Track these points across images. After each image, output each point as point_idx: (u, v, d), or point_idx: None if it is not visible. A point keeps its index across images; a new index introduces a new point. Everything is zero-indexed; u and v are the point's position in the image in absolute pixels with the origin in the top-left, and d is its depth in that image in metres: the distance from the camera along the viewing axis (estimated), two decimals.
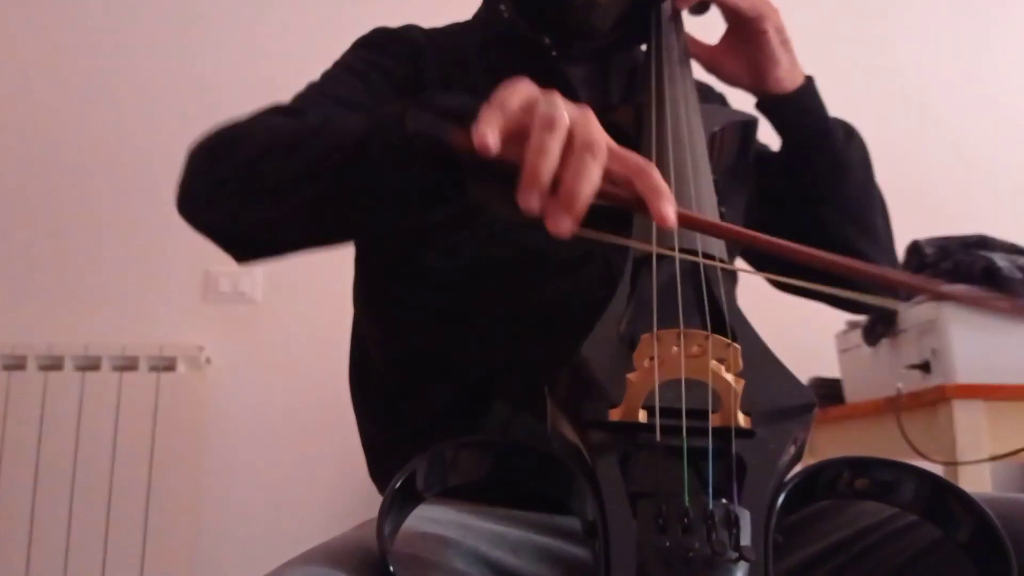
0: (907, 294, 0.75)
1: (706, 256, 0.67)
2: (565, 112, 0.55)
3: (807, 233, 0.97)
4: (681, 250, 0.65)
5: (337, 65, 0.92)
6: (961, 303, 0.67)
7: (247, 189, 0.74)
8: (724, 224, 0.59)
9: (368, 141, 0.66)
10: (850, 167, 0.95)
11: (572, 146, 0.54)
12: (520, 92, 0.57)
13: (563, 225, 0.53)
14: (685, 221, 0.57)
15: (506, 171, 0.54)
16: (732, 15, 0.93)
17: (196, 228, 0.79)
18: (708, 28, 0.97)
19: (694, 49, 0.96)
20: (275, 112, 0.81)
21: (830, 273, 0.62)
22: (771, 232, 0.98)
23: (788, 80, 0.93)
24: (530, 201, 0.53)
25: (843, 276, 0.64)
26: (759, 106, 0.96)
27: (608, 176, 0.55)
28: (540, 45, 0.90)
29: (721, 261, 0.68)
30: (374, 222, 0.73)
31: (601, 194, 0.54)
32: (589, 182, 0.53)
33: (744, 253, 0.98)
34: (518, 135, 0.55)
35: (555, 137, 0.54)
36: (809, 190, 0.95)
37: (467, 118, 0.57)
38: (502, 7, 0.93)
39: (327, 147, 0.69)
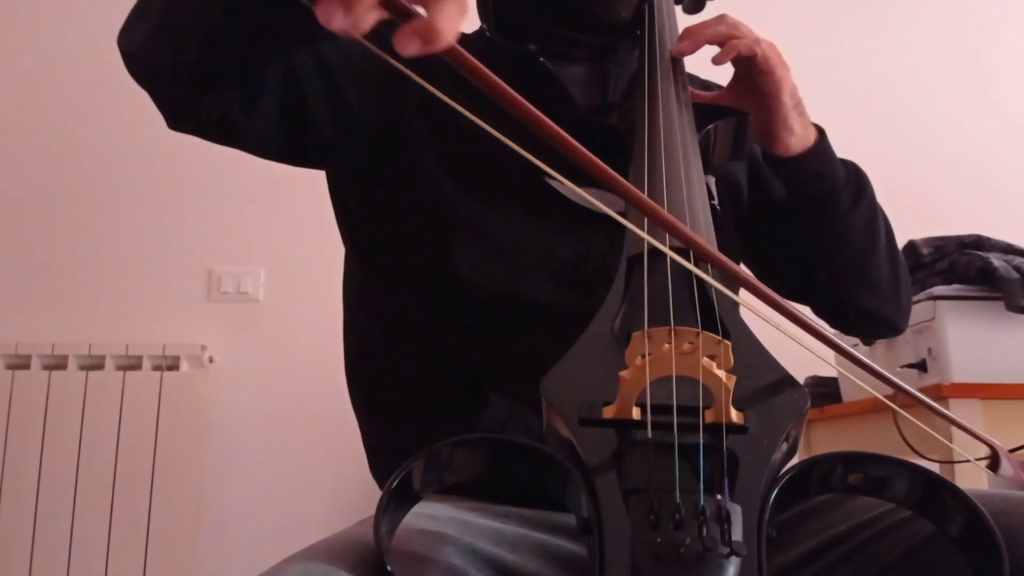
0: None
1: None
2: None
3: (799, 278, 0.94)
4: (672, 248, 0.65)
5: None
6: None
7: (149, 7, 0.74)
8: (664, 214, 0.57)
9: None
10: (851, 229, 0.90)
11: None
12: None
13: (335, 20, 0.45)
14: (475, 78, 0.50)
15: None
16: (745, 65, 0.86)
17: (126, 62, 0.79)
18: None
19: (697, 100, 0.90)
20: None
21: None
22: (764, 262, 0.96)
23: (797, 145, 0.87)
24: None
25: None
26: (764, 159, 0.91)
27: None
28: (526, 53, 0.91)
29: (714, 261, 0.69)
30: (226, 42, 0.70)
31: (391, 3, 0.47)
32: None
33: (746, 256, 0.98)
34: None
35: None
36: (806, 248, 0.91)
37: None
38: (485, 27, 0.94)
39: None
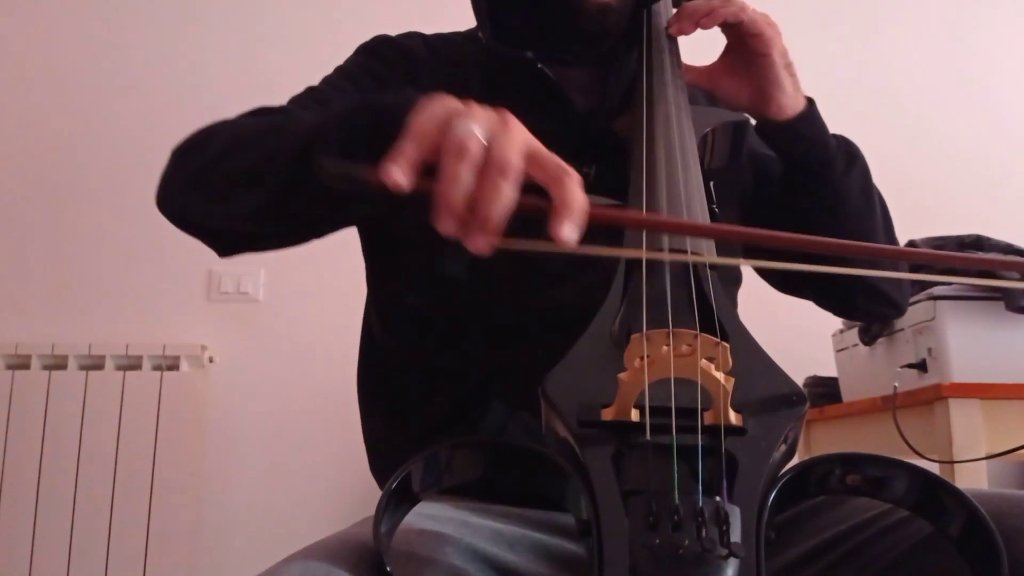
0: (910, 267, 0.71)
1: (695, 256, 0.68)
2: (477, 131, 0.54)
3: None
4: (671, 250, 0.65)
5: (336, 70, 0.94)
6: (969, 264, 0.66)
7: (211, 186, 0.76)
8: (698, 223, 0.58)
9: (330, 133, 0.67)
10: (849, 197, 0.92)
11: (485, 169, 0.53)
12: (434, 113, 0.57)
13: (480, 244, 0.53)
14: (657, 226, 0.57)
15: (424, 197, 0.54)
16: (734, 32, 0.89)
17: (173, 223, 0.81)
18: (705, 42, 0.96)
19: (690, 75, 0.92)
20: (254, 113, 0.83)
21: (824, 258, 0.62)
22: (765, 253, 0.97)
23: (790, 106, 0.89)
24: (446, 227, 0.53)
25: (836, 256, 0.64)
26: (759, 130, 0.93)
27: (529, 180, 0.55)
28: (523, 60, 0.91)
29: (712, 265, 0.69)
30: (332, 215, 0.74)
31: (519, 206, 0.54)
32: (501, 204, 0.53)
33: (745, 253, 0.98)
34: (435, 160, 0.55)
35: (465, 163, 0.53)
36: (805, 218, 0.91)
37: (384, 141, 0.56)
38: (480, 35, 0.95)
39: (283, 141, 0.71)
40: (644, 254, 0.63)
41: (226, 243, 0.82)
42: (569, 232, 0.54)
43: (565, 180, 0.55)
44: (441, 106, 0.57)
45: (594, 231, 0.79)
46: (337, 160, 0.56)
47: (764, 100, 0.89)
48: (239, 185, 0.73)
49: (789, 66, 0.89)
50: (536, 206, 0.54)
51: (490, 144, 0.54)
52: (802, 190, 0.92)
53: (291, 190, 0.69)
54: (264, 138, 0.73)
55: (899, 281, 0.99)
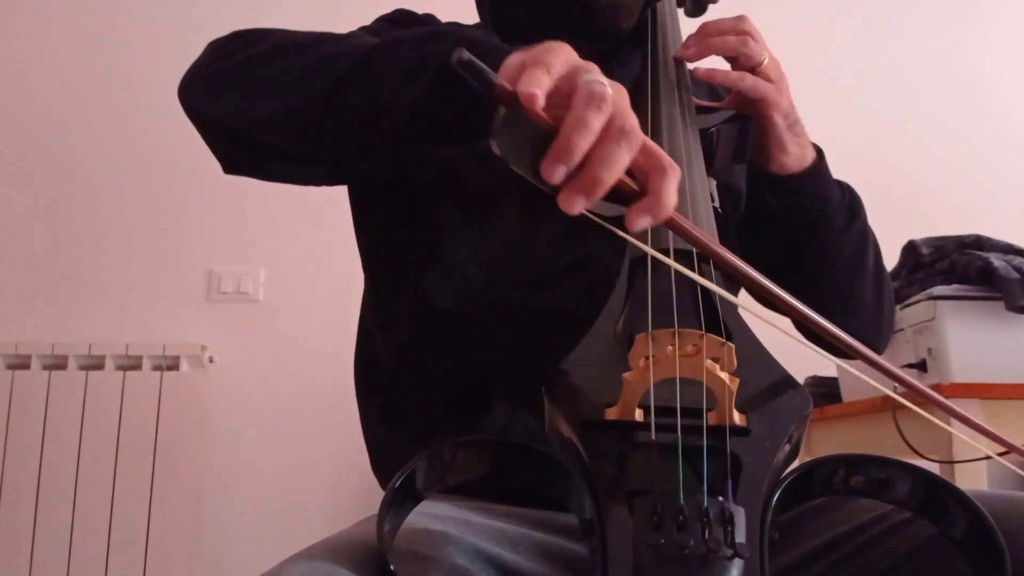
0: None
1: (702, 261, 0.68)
2: (609, 89, 0.51)
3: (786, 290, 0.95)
4: (676, 251, 0.65)
5: (359, 28, 0.93)
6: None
7: (252, 81, 0.74)
8: (712, 245, 0.58)
9: (396, 52, 0.65)
10: (841, 254, 0.90)
11: (609, 129, 0.51)
12: (563, 56, 0.54)
13: (576, 206, 0.50)
14: (677, 229, 0.56)
15: (536, 131, 0.51)
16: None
17: (192, 117, 0.78)
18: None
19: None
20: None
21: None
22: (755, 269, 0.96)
23: (793, 165, 0.87)
24: (554, 173, 0.50)
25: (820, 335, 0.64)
26: (759, 175, 0.91)
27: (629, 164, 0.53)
28: None
29: (715, 266, 0.69)
30: (367, 142, 0.70)
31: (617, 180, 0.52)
32: (615, 170, 0.50)
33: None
34: (556, 100, 0.52)
35: (599, 116, 0.50)
36: (794, 267, 0.89)
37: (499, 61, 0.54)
38: (483, 27, 0.95)
39: (344, 50, 0.69)
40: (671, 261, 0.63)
41: (238, 152, 0.79)
42: (645, 224, 0.52)
43: (671, 174, 0.53)
44: (566, 50, 0.55)
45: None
46: (472, 56, 0.52)
47: (765, 157, 0.88)
48: (289, 82, 0.70)
49: (794, 126, 0.87)
50: (630, 187, 0.52)
51: (616, 108, 0.52)
52: (793, 238, 0.90)
53: (351, 97, 0.66)
54: (325, 44, 0.71)
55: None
